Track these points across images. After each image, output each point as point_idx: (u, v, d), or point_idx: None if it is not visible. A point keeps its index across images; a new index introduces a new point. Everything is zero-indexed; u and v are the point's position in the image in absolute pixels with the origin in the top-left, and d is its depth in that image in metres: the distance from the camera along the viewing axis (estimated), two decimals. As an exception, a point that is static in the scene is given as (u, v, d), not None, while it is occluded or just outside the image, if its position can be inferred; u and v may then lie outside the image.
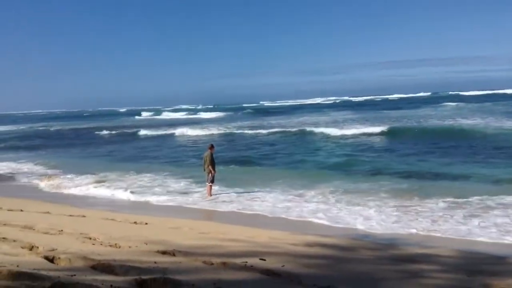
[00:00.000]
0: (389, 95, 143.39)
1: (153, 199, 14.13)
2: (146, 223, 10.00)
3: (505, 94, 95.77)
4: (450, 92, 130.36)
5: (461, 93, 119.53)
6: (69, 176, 18.62)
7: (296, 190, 14.17)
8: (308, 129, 32.80)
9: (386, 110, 57.60)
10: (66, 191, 15.85)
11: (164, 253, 6.35)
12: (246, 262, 5.70)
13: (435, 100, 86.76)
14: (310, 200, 12.84)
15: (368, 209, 11.42)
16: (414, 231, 9.40)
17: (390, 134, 27.45)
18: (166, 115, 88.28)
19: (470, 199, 11.66)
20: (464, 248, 7.93)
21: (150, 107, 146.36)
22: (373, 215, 10.86)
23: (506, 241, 8.42)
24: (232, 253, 6.56)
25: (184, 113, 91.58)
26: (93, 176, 18.15)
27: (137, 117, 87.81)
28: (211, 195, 14.03)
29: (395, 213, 10.86)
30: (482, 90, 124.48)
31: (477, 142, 22.48)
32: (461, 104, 61.10)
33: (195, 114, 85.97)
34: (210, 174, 14.15)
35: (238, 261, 5.79)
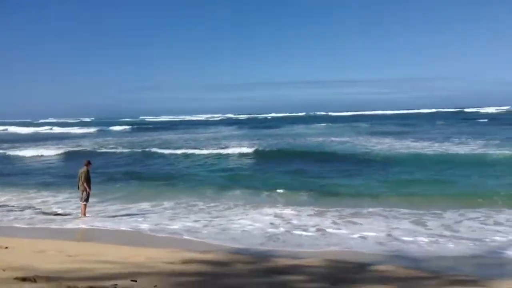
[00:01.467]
0: (269, 113, 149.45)
1: (17, 220, 12.88)
2: (7, 247, 9.05)
3: (371, 115, 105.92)
4: (323, 112, 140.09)
5: (331, 113, 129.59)
6: None
7: (176, 206, 14.09)
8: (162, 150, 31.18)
9: (265, 129, 59.89)
10: None
11: (24, 279, 5.80)
12: (116, 284, 5.45)
13: (310, 119, 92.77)
14: (190, 215, 12.81)
15: (248, 221, 11.78)
16: (288, 242, 9.87)
17: (258, 152, 27.84)
18: (16, 130, 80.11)
19: (337, 209, 12.70)
20: (332, 258, 8.46)
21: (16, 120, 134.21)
22: (251, 227, 11.17)
23: (370, 250, 9.19)
24: (101, 276, 6.21)
25: (45, 127, 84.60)
26: None
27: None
28: (85, 214, 13.19)
29: (269, 224, 11.30)
30: (350, 111, 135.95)
31: (344, 158, 24.29)
32: (330, 124, 65.95)
33: (52, 128, 79.31)
34: (85, 192, 13.29)
35: (107, 284, 5.51)
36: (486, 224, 11.04)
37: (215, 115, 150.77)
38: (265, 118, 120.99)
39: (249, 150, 28.24)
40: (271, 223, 11.53)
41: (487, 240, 9.64)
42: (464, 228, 10.68)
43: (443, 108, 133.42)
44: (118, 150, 32.26)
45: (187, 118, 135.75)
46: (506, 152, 23.04)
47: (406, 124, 58.10)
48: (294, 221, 11.68)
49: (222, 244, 9.87)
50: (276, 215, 12.39)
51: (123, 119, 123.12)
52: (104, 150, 32.79)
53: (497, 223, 11.06)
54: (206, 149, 30.19)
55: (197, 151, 29.14)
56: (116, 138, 48.52)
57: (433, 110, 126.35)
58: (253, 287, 5.52)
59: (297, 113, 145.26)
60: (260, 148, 29.03)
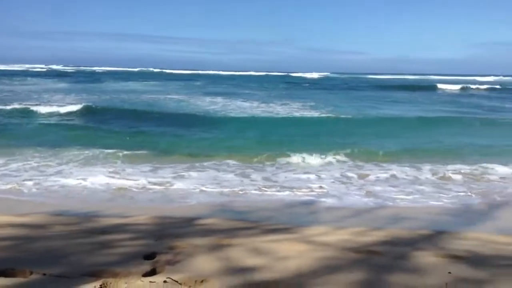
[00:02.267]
0: (100, 67, 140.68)
1: None
2: None
3: (205, 75, 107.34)
4: (158, 69, 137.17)
5: (167, 70, 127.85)
6: None
7: (7, 163, 12.71)
8: None
9: (94, 83, 56.43)
10: None
11: None
12: None
13: (144, 75, 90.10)
14: (20, 174, 11.65)
15: (79, 181, 11.10)
16: (119, 201, 9.66)
17: (89, 109, 25.91)
18: None
19: (172, 166, 12.85)
20: (161, 214, 8.53)
21: None
22: (82, 187, 10.60)
23: (198, 203, 9.51)
24: None
25: None
26: None
27: None
28: None
29: (101, 183, 10.86)
30: (187, 69, 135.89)
31: (180, 117, 24.37)
32: (166, 81, 65.18)
33: None
34: None
35: None
36: (298, 174, 12.37)
37: (37, 66, 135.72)
38: (94, 71, 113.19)
39: (78, 107, 26.18)
40: (104, 183, 11.06)
41: (298, 190, 10.75)
42: (281, 179, 11.78)
43: (272, 72, 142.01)
44: None
45: (1, 67, 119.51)
46: (317, 114, 25.98)
47: (238, 85, 60.51)
48: (128, 180, 11.39)
49: (46, 204, 9.20)
50: (109, 174, 11.89)
51: None
52: None
53: (308, 174, 12.40)
54: (28, 103, 27.17)
55: (17, 106, 25.98)
56: None
57: (263, 73, 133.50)
58: (72, 247, 5.26)
59: (131, 68, 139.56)
60: (91, 105, 27.17)
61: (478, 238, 7.05)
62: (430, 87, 61.91)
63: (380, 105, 34.72)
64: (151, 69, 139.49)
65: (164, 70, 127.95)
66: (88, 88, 44.76)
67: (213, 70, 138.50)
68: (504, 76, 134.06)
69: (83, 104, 26.81)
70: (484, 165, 13.55)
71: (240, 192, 10.49)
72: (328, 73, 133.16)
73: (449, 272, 4.66)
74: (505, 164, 13.65)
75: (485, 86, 65.32)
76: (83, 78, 69.75)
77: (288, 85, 64.96)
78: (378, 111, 29.29)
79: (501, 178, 12.36)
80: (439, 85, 62.79)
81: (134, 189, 10.56)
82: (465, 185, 11.48)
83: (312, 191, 10.77)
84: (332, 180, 11.81)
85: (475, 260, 5.32)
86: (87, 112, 25.22)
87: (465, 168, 13.18)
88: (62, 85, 50.54)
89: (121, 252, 5.16)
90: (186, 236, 6.33)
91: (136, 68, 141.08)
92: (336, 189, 10.99)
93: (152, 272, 4.58)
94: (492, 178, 12.35)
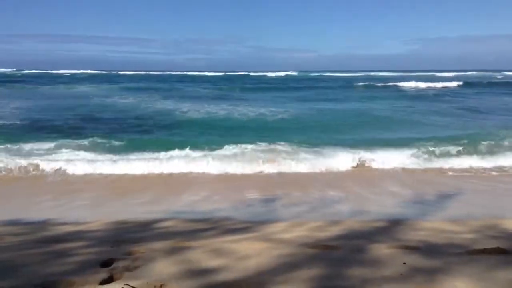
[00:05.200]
0: (57, 70, 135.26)
1: None
2: None
3: (157, 75, 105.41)
4: (106, 71, 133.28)
5: (120, 72, 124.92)
6: None
7: None
8: None
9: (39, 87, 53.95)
10: None
11: None
12: None
13: (93, 78, 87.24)
14: None
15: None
16: (71, 208, 9.33)
17: None
18: None
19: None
20: (115, 219, 8.32)
21: None
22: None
23: (155, 208, 9.31)
24: None
25: None
26: None
27: None
28: None
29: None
30: (137, 70, 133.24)
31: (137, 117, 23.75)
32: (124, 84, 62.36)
33: None
34: None
35: None
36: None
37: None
38: (40, 74, 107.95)
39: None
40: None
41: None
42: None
43: (229, 72, 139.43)
44: None
45: None
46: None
47: (205, 87, 58.46)
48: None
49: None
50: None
51: None
52: None
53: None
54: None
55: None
56: None
57: (221, 73, 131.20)
58: (24, 259, 5.04)
59: (76, 70, 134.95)
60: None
61: (430, 228, 7.32)
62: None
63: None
64: (99, 71, 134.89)
65: (114, 71, 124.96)
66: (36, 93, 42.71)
67: (166, 71, 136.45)
68: (458, 71, 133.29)
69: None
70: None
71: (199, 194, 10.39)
72: (291, 72, 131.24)
73: (404, 263, 4.80)
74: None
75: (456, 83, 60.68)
76: (34, 83, 65.40)
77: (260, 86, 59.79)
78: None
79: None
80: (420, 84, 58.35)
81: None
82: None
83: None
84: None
85: (428, 249, 5.51)
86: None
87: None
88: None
89: (76, 260, 4.98)
90: (143, 241, 6.21)
91: (80, 70, 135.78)
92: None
93: (109, 280, 4.45)
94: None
